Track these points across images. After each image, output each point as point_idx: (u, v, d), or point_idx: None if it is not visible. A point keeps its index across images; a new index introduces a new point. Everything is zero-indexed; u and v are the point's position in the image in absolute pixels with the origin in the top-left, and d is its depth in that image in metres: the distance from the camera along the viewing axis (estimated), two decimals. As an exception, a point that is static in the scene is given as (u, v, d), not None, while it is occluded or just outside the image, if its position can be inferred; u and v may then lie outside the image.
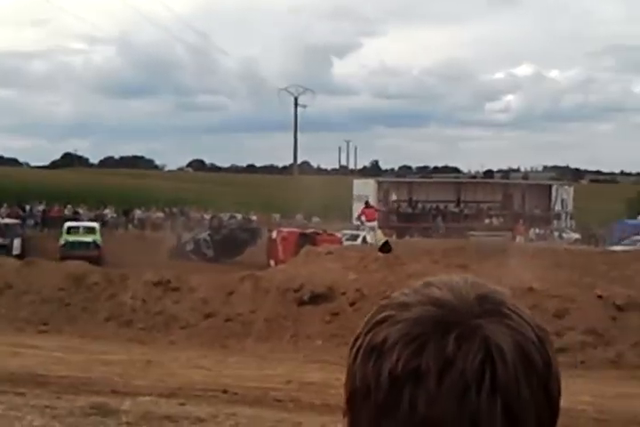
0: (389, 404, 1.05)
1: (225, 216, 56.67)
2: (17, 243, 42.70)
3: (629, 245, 42.65)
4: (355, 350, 1.10)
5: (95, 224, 47.15)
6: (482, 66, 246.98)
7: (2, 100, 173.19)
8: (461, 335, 1.04)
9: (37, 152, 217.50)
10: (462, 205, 65.40)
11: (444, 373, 1.03)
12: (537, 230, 59.54)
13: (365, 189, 61.57)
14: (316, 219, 63.17)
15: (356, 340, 1.12)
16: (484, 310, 1.07)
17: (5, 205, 53.69)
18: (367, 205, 40.57)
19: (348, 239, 41.73)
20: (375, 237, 34.83)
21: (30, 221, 53.51)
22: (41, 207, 55.49)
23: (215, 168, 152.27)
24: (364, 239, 38.23)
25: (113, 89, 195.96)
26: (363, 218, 38.64)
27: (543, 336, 1.09)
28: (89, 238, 42.83)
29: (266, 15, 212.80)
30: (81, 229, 44.61)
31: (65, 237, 42.96)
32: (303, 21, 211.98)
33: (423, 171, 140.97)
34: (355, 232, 43.81)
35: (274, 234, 41.77)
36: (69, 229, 44.47)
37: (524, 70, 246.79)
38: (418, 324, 1.06)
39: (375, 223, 36.54)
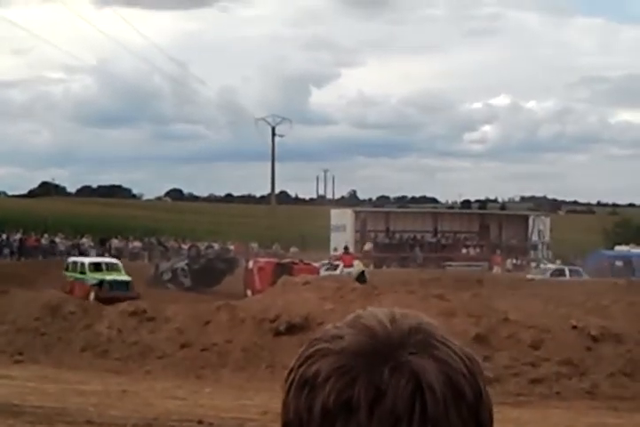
0: None
1: (202, 246, 56.68)
2: None
3: (540, 275, 43.75)
4: (288, 383, 1.11)
5: (116, 260, 41.20)
6: (460, 96, 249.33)
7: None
8: (392, 368, 1.05)
9: (15, 181, 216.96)
10: (439, 236, 65.59)
11: (374, 405, 1.03)
12: (514, 261, 59.78)
13: (343, 218, 61.74)
14: (293, 248, 63.24)
15: (289, 373, 1.12)
16: (413, 341, 1.08)
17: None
18: (346, 251, 40.81)
19: (327, 269, 41.87)
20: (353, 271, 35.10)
21: (6, 251, 53.32)
22: (17, 236, 55.27)
23: (193, 197, 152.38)
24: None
25: (91, 118, 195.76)
26: (340, 263, 38.91)
27: (473, 367, 1.10)
28: (126, 277, 36.71)
29: (244, 45, 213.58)
30: (104, 266, 37.93)
31: (94, 276, 36.25)
32: (282, 51, 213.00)
33: (401, 201, 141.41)
34: (335, 262, 44.13)
35: (250, 264, 41.77)
36: (94, 265, 37.75)
37: (501, 101, 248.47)
38: (349, 357, 1.06)
39: (352, 269, 36.82)
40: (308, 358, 1.11)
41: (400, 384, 1.04)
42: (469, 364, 1.10)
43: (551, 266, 49.44)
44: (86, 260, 39.63)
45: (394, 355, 1.06)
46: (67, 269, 38.38)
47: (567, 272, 46.23)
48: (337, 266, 41.78)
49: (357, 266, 33.10)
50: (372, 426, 1.03)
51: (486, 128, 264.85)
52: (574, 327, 19.01)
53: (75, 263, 38.65)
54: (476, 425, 1.08)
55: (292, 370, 1.12)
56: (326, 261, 46.05)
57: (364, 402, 1.03)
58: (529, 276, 41.37)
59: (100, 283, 35.48)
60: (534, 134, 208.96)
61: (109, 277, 36.08)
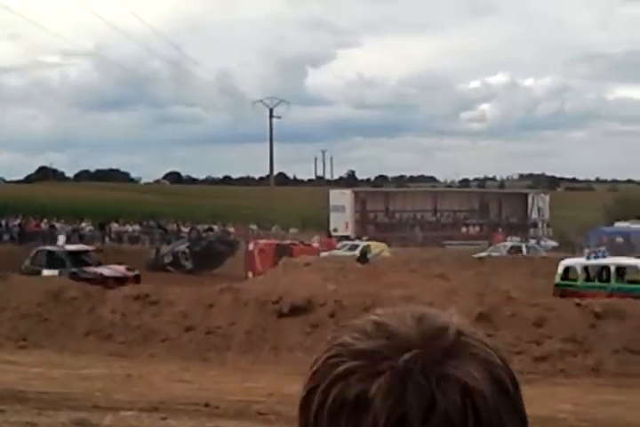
0: None
1: (202, 228, 56.65)
2: None
3: (496, 252, 43.92)
4: (315, 406, 1.01)
5: None
6: (458, 75, 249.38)
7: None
8: (438, 377, 0.98)
9: (13, 166, 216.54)
10: (439, 215, 65.60)
11: (428, 417, 0.97)
12: (514, 239, 59.74)
13: (342, 199, 61.67)
14: (293, 230, 63.24)
15: (309, 395, 1.02)
16: (448, 344, 1.01)
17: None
18: (329, 235, 40.98)
19: (349, 249, 42.12)
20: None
21: (6, 236, 53.24)
22: (17, 222, 55.18)
23: (191, 180, 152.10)
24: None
25: (88, 102, 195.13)
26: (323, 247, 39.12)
27: (505, 358, 1.06)
28: None
29: (241, 26, 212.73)
30: None
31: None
32: (278, 32, 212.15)
33: (399, 180, 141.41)
34: (354, 242, 44.72)
35: (251, 246, 41.79)
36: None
37: (499, 79, 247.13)
38: (392, 376, 0.98)
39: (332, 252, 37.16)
40: (337, 378, 1.00)
41: (447, 392, 0.97)
42: (502, 355, 1.06)
43: (507, 244, 49.67)
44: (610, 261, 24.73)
45: (433, 364, 0.99)
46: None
47: (524, 249, 46.87)
48: (357, 246, 42.15)
49: (378, 247, 32.63)
50: None
51: (484, 107, 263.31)
52: (577, 305, 19.02)
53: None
54: (519, 418, 1.04)
55: (312, 391, 1.02)
56: (347, 242, 46.46)
57: (417, 417, 0.96)
58: (481, 254, 41.00)
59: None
60: (532, 112, 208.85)
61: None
